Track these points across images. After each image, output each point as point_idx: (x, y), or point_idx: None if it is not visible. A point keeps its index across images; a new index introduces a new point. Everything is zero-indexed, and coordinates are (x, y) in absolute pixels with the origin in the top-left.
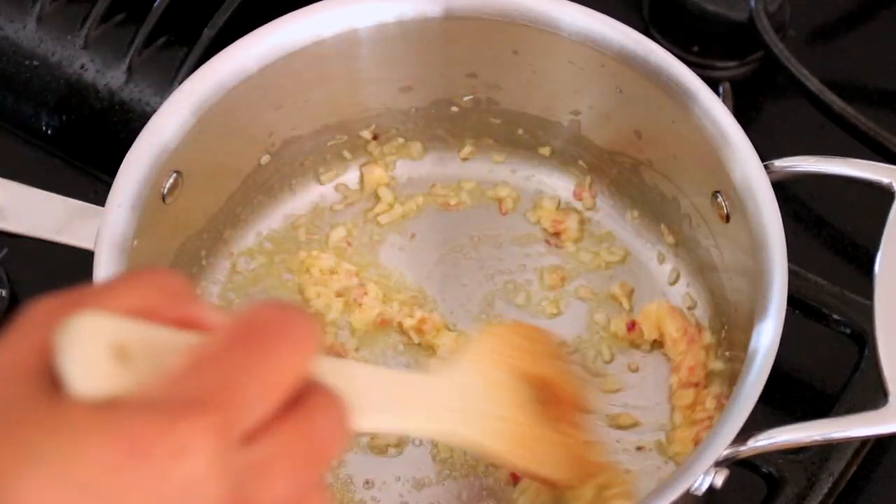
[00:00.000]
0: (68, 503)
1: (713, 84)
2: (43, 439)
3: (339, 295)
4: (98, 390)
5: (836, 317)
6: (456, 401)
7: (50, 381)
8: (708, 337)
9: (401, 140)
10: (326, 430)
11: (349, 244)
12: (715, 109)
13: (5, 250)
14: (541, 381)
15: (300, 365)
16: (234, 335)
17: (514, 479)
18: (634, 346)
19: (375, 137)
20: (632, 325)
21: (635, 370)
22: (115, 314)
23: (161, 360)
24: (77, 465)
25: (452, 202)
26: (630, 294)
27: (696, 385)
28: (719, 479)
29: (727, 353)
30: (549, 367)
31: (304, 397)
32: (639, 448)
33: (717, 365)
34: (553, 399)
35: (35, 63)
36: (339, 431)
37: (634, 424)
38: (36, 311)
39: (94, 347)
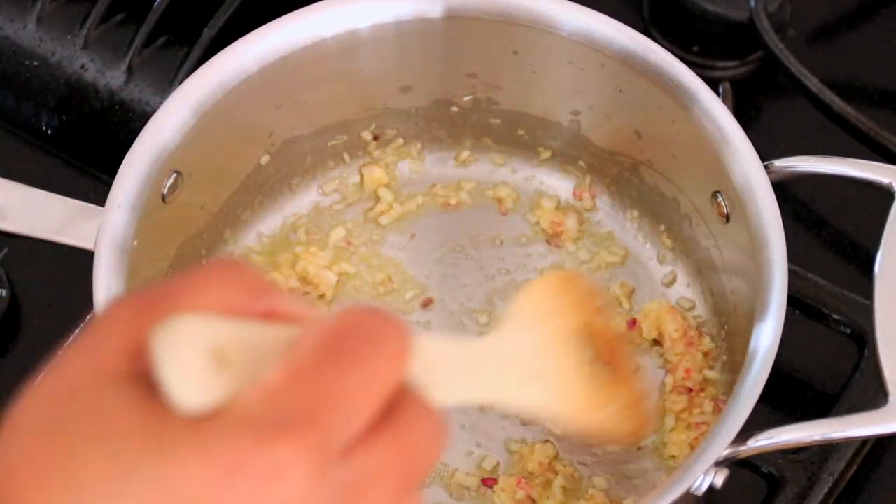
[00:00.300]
0: None
1: (713, 84)
2: (142, 453)
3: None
4: (198, 401)
5: (836, 317)
6: (525, 362)
7: (146, 387)
8: (707, 343)
9: (401, 140)
10: (423, 443)
11: (349, 244)
12: (715, 109)
13: (5, 250)
14: (592, 330)
15: (395, 374)
16: (328, 344)
17: (488, 483)
18: (633, 344)
19: (376, 138)
20: (632, 323)
21: (634, 370)
22: (208, 315)
23: (257, 361)
24: (175, 484)
25: (452, 202)
26: (630, 294)
27: (690, 391)
28: (719, 479)
29: (724, 360)
30: (597, 316)
31: (398, 407)
32: (639, 448)
33: (714, 374)
34: (606, 348)
35: (35, 63)
36: (435, 443)
37: None
38: (119, 311)
39: (193, 353)
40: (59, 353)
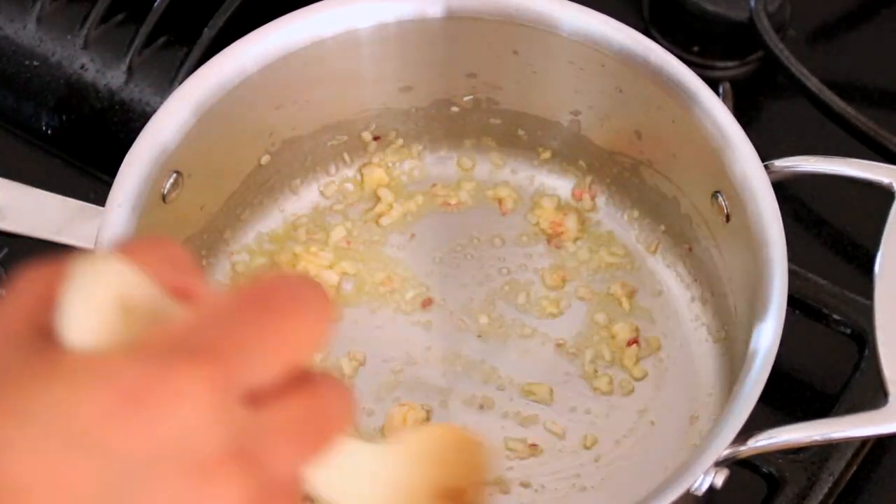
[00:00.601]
0: (63, 458)
1: (713, 84)
2: (35, 393)
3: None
4: (93, 339)
5: (836, 317)
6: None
7: (47, 337)
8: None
9: (401, 140)
10: (334, 408)
11: (349, 244)
12: (715, 109)
13: (5, 250)
14: (453, 492)
15: (311, 334)
16: (243, 297)
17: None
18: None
19: (376, 138)
20: (633, 341)
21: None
22: (124, 265)
23: (162, 322)
24: (70, 417)
25: (452, 202)
26: (630, 294)
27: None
28: (719, 479)
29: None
30: (469, 483)
31: (309, 378)
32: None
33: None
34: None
35: (35, 63)
36: (345, 411)
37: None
38: (33, 271)
39: (100, 293)
40: None
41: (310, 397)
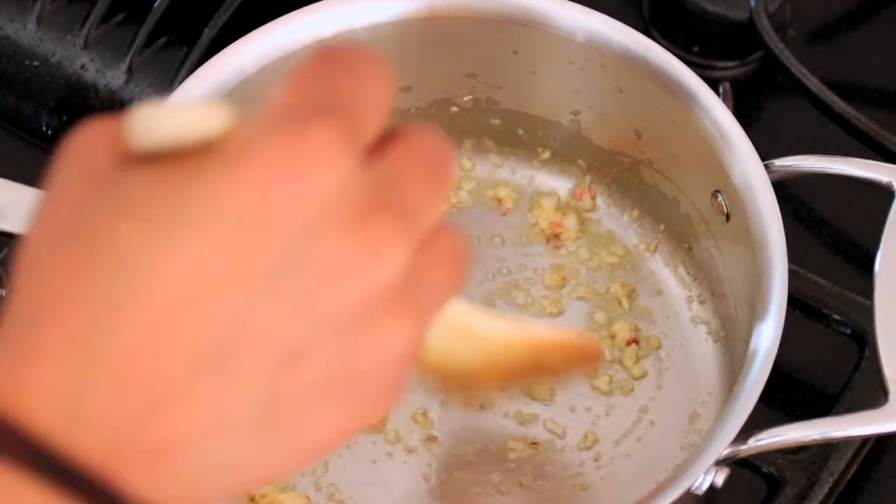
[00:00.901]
0: (228, 243)
1: (713, 84)
2: (178, 193)
3: None
4: (216, 124)
5: (836, 317)
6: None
7: (150, 160)
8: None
9: None
10: (436, 147)
11: None
12: (715, 109)
13: (5, 250)
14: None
15: (388, 83)
16: (318, 60)
17: None
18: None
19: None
20: (632, 340)
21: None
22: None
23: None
24: (224, 202)
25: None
26: (630, 294)
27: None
28: (720, 478)
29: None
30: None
31: (397, 130)
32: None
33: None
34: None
35: (35, 63)
36: (447, 149)
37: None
38: (90, 126)
39: (188, 101)
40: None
41: (408, 139)
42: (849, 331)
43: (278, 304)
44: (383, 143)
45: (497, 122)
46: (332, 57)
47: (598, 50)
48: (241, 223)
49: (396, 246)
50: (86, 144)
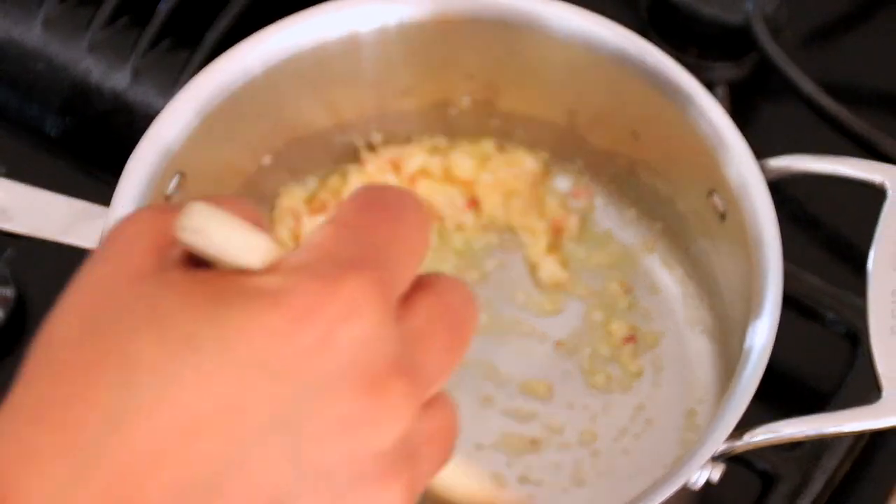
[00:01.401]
0: (234, 384)
1: (710, 85)
2: (198, 321)
3: None
4: (256, 258)
5: (830, 316)
6: None
7: (185, 270)
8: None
9: (401, 142)
10: (460, 301)
11: None
12: (711, 110)
13: (11, 251)
14: None
15: (426, 236)
16: (367, 204)
17: None
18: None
19: (375, 140)
20: (629, 338)
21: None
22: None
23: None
24: (239, 342)
25: None
26: (627, 292)
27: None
28: (716, 474)
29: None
30: None
31: (426, 280)
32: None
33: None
34: None
35: (40, 65)
36: (470, 302)
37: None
38: (134, 219)
39: (230, 218)
40: (74, 278)
41: (437, 295)
42: (843, 329)
43: (274, 452)
44: (412, 291)
45: (496, 122)
46: (376, 202)
47: (595, 52)
48: (256, 366)
49: (404, 411)
50: (130, 239)
